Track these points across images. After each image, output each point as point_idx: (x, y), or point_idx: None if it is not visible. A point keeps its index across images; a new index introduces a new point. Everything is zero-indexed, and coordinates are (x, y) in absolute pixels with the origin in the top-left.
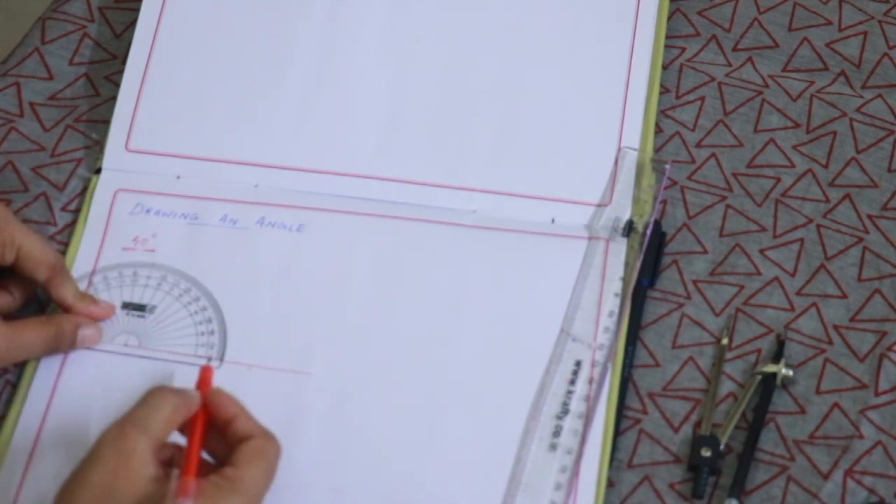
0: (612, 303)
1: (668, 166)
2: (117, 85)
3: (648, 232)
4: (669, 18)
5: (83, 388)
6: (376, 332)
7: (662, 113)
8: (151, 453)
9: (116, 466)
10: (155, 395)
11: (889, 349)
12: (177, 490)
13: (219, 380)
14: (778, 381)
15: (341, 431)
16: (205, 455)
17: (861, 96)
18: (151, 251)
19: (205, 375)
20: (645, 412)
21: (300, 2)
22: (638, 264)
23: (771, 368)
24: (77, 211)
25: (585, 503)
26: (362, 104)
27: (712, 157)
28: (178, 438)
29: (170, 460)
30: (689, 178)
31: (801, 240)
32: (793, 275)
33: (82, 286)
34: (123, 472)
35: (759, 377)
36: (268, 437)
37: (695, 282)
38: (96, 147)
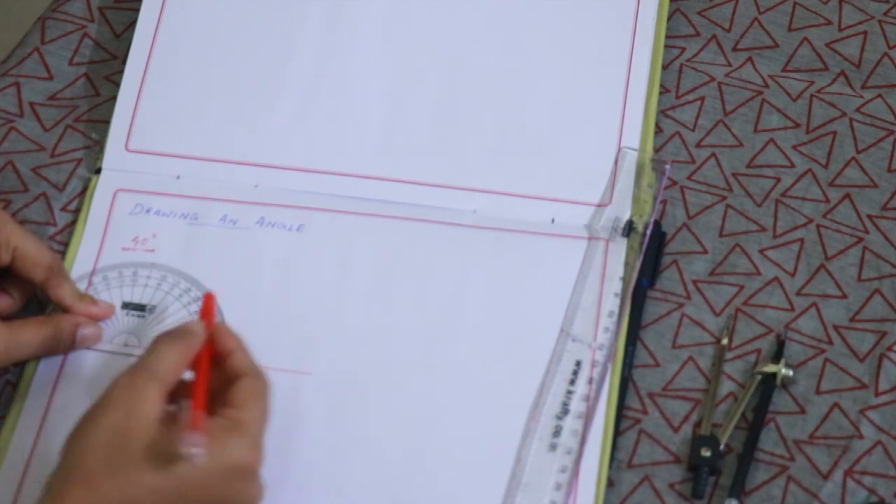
0: (612, 303)
1: (668, 166)
2: (117, 85)
3: (648, 232)
4: (669, 18)
5: (83, 388)
6: (376, 332)
7: (662, 113)
8: (161, 398)
9: (128, 410)
10: (162, 342)
11: (889, 349)
12: (189, 423)
13: None
14: (778, 381)
15: (341, 431)
16: None
17: (861, 96)
18: (151, 251)
19: (207, 304)
20: (645, 412)
21: (300, 2)
22: (638, 264)
23: (771, 368)
24: (77, 211)
25: (585, 503)
26: (362, 104)
27: (712, 157)
28: None
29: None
30: (689, 178)
31: (801, 240)
32: (793, 275)
33: (82, 286)
34: (135, 415)
35: (759, 377)
36: (258, 375)
37: (695, 282)
38: (96, 147)
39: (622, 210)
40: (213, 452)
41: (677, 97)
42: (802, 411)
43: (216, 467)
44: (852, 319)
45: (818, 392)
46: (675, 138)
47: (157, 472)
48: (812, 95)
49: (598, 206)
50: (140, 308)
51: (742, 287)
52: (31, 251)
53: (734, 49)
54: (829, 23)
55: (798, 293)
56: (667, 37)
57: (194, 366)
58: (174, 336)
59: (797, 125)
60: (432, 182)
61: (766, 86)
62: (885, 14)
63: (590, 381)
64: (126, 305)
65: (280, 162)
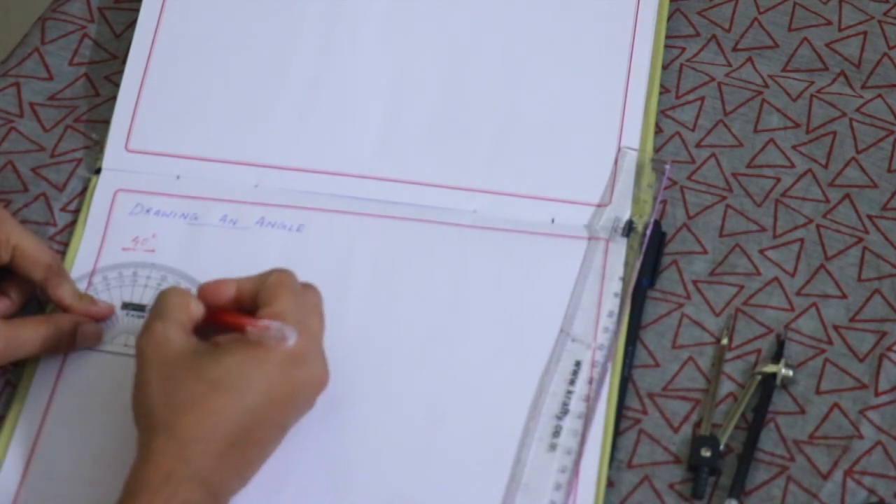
0: (611, 303)
1: (668, 166)
2: (117, 85)
3: (648, 232)
4: (669, 18)
5: (83, 388)
6: (376, 332)
7: (662, 113)
8: (184, 332)
9: (161, 358)
10: (158, 295)
11: (889, 349)
12: (256, 329)
13: None
14: (778, 381)
15: (341, 431)
16: None
17: (861, 96)
18: (151, 251)
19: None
20: (645, 412)
21: (300, 2)
22: (638, 264)
23: (771, 368)
24: (77, 211)
25: (585, 503)
26: (362, 104)
27: (712, 157)
28: None
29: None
30: (689, 178)
31: (801, 240)
32: (793, 275)
33: (82, 286)
34: (169, 358)
35: (759, 377)
36: (272, 274)
37: (695, 282)
38: (96, 147)
39: (622, 210)
40: (259, 355)
41: (677, 97)
42: (802, 411)
43: (270, 366)
44: (852, 319)
45: (818, 392)
46: (675, 138)
47: (220, 393)
48: (812, 95)
49: (598, 206)
50: (140, 308)
51: (742, 287)
52: (31, 250)
53: (734, 49)
54: (829, 23)
55: (798, 293)
56: (667, 37)
57: (219, 319)
58: (165, 288)
59: (797, 125)
60: (432, 182)
61: (766, 86)
62: (885, 14)
63: (590, 382)
64: (126, 306)
65: (280, 162)
